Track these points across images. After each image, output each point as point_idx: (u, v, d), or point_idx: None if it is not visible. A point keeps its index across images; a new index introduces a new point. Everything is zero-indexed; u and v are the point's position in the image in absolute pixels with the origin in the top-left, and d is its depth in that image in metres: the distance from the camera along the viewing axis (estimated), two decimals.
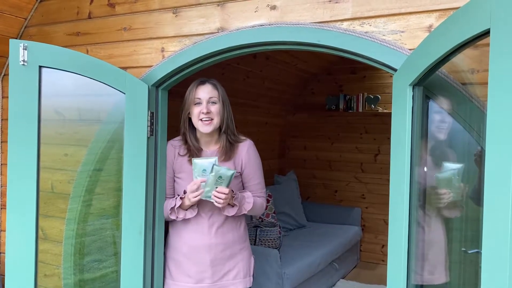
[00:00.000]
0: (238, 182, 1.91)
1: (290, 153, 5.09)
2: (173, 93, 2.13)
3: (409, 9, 1.55)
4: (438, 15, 1.50)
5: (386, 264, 1.54)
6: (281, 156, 5.02)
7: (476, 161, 1.40)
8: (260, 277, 2.93)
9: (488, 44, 1.01)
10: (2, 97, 2.62)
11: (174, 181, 1.96)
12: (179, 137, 1.96)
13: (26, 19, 2.44)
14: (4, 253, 2.60)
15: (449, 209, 1.58)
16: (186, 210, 1.85)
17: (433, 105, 1.56)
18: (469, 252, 1.42)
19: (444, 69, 1.43)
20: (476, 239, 1.16)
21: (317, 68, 4.75)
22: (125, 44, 2.13)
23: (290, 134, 5.08)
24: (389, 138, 1.55)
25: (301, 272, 3.25)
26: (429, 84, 1.46)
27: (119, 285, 1.99)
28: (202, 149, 1.90)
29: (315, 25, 1.69)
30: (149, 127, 1.93)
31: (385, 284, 1.54)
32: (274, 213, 3.96)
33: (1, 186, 2.63)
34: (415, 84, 1.43)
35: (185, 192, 1.83)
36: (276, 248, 3.32)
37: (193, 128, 1.90)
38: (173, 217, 1.88)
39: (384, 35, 1.59)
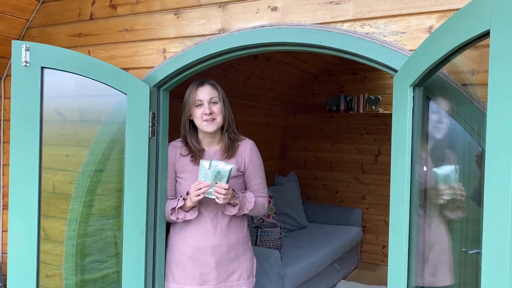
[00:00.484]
0: (240, 182, 1.91)
1: (291, 154, 5.09)
2: (174, 94, 2.14)
3: (409, 10, 1.55)
4: (439, 16, 1.51)
5: (387, 265, 1.54)
6: (282, 157, 5.02)
7: (477, 162, 1.40)
8: (261, 278, 2.93)
9: (488, 45, 1.01)
10: (4, 98, 2.63)
11: (176, 181, 1.96)
12: (180, 139, 1.96)
13: (28, 20, 2.45)
14: (6, 253, 2.60)
15: (451, 210, 1.58)
16: (187, 211, 1.85)
17: (433, 106, 1.56)
18: (470, 252, 1.43)
19: (444, 70, 1.43)
20: (476, 240, 1.17)
21: (318, 69, 4.76)
22: (127, 45, 2.14)
23: (291, 135, 5.09)
24: (389, 139, 1.56)
25: (302, 272, 3.25)
26: (429, 85, 1.46)
27: (120, 286, 1.99)
28: (204, 150, 1.91)
29: (316, 26, 1.70)
30: (150, 128, 1.94)
31: (386, 285, 1.54)
32: (275, 213, 3.97)
33: (3, 187, 2.64)
34: (416, 85, 1.44)
35: (187, 193, 1.84)
36: (277, 249, 3.32)
37: (193, 130, 1.91)
38: (173, 218, 1.88)
39: (384, 36, 1.60)
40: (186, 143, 1.91)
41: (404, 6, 1.56)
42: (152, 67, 2.05)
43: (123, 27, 2.15)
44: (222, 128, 1.89)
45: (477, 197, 1.35)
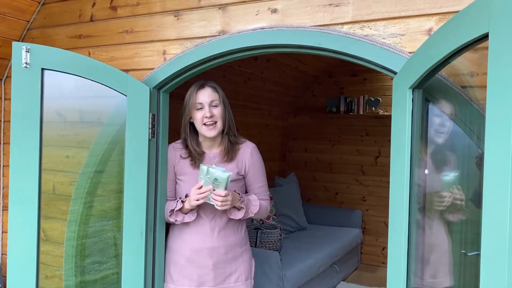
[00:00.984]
0: (240, 186, 1.91)
1: (291, 155, 5.10)
2: (174, 95, 2.14)
3: (409, 12, 1.56)
4: (438, 18, 1.51)
5: (387, 267, 1.54)
6: (282, 158, 5.03)
7: (477, 164, 1.40)
8: (261, 279, 2.93)
9: (487, 47, 1.01)
10: (4, 99, 2.63)
11: (176, 183, 1.96)
12: (180, 140, 1.96)
13: (28, 21, 2.45)
14: (5, 254, 2.60)
15: (451, 212, 1.58)
16: (186, 213, 1.85)
17: (432, 108, 1.57)
18: (469, 254, 1.43)
19: (443, 72, 1.43)
20: (476, 242, 1.17)
21: (318, 70, 4.76)
22: (127, 46, 2.14)
23: (291, 136, 5.09)
24: (389, 141, 1.56)
25: (301, 274, 3.25)
26: (429, 87, 1.46)
27: (120, 287, 1.99)
28: (204, 152, 1.89)
29: (315, 28, 1.70)
30: (150, 129, 1.94)
31: (386, 287, 1.54)
32: (275, 215, 3.97)
33: (3, 188, 2.64)
34: (415, 87, 1.44)
35: (186, 196, 1.84)
36: (276, 250, 3.32)
37: (194, 133, 1.89)
38: (172, 219, 1.88)
39: (384, 38, 1.60)
40: (186, 146, 1.90)
41: (403, 9, 1.57)
42: (152, 68, 2.05)
43: (124, 29, 2.15)
44: (222, 131, 1.87)
45: (477, 199, 1.35)
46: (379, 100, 4.59)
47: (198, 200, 1.74)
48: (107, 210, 2.21)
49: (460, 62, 1.41)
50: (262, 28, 1.80)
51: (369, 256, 4.71)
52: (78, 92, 2.16)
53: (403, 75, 1.49)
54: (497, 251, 0.97)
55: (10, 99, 2.18)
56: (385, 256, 4.54)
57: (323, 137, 4.90)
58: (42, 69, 2.01)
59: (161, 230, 2.00)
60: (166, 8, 2.04)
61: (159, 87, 2.03)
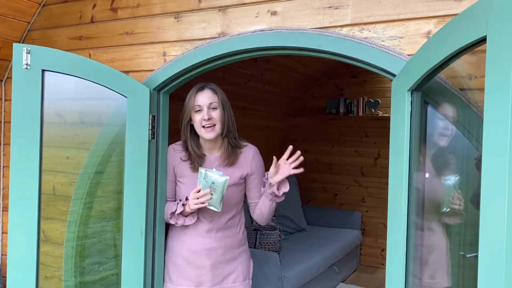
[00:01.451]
0: (240, 190, 1.90)
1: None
2: (174, 96, 2.15)
3: (408, 15, 1.57)
4: (437, 21, 1.52)
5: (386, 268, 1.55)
6: None
7: (477, 166, 1.41)
8: (260, 280, 2.93)
9: (485, 50, 1.02)
10: (5, 100, 2.64)
11: (175, 184, 1.96)
12: (181, 142, 1.95)
13: (29, 23, 2.46)
14: (5, 255, 2.61)
15: (448, 216, 1.59)
16: (186, 216, 1.86)
17: (431, 111, 1.57)
18: (468, 256, 1.43)
19: (442, 74, 1.44)
20: (475, 243, 1.17)
21: (317, 72, 4.77)
22: (127, 48, 2.15)
23: (290, 138, 5.09)
24: (389, 142, 1.57)
25: (301, 275, 3.26)
26: (427, 90, 1.47)
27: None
28: (204, 155, 1.88)
29: (315, 30, 1.71)
30: (150, 130, 1.95)
31: None
32: (274, 216, 3.97)
33: (3, 189, 2.65)
34: (414, 90, 1.45)
35: (187, 199, 1.84)
36: (276, 252, 3.33)
37: (194, 135, 1.88)
38: (172, 222, 1.88)
39: (383, 41, 1.61)
40: (186, 148, 1.89)
41: (402, 11, 1.57)
42: (152, 70, 2.06)
43: (124, 30, 2.16)
44: (222, 134, 1.86)
45: (476, 200, 1.35)
46: (378, 101, 4.60)
47: (196, 204, 1.75)
48: (107, 211, 2.22)
49: (459, 65, 1.41)
50: (262, 30, 1.81)
51: (368, 257, 4.71)
52: (78, 93, 2.17)
53: (402, 78, 1.50)
54: (495, 252, 0.97)
55: (10, 100, 2.19)
56: (385, 258, 4.53)
57: (323, 138, 4.90)
58: (43, 71, 2.02)
59: (160, 231, 2.01)
60: (166, 10, 2.04)
61: (159, 88, 2.04)
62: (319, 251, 3.74)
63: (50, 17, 2.40)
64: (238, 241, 1.93)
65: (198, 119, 1.81)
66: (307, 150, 5.01)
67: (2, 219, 2.65)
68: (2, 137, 2.64)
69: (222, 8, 1.91)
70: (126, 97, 1.96)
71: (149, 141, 1.95)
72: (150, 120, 1.95)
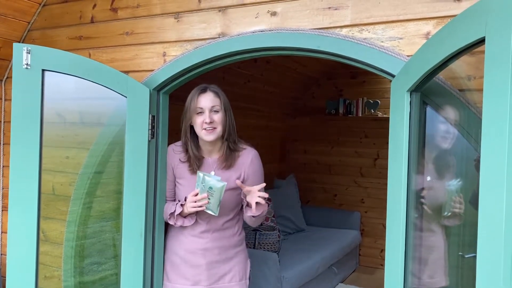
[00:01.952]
0: (237, 194, 1.88)
1: (290, 157, 5.10)
2: (173, 96, 2.15)
3: (407, 16, 1.57)
4: (436, 22, 1.52)
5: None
6: (281, 160, 5.03)
7: (476, 166, 1.41)
8: (259, 281, 2.94)
9: (484, 51, 1.03)
10: (5, 100, 2.64)
11: (175, 185, 1.96)
12: (180, 142, 1.94)
13: (29, 22, 2.46)
14: (5, 254, 2.61)
15: (447, 217, 1.59)
16: (185, 217, 1.86)
17: (430, 111, 1.58)
18: (466, 256, 1.44)
19: (441, 75, 1.44)
20: (473, 244, 1.18)
21: (317, 72, 4.78)
22: (127, 48, 2.16)
23: (290, 138, 5.10)
24: (388, 143, 1.57)
25: (300, 276, 3.26)
26: (426, 90, 1.48)
27: None
28: (203, 157, 1.88)
29: (314, 31, 1.71)
30: (150, 130, 1.95)
31: None
32: (273, 216, 3.97)
33: (3, 188, 2.65)
34: (413, 90, 1.45)
35: (185, 199, 1.84)
36: (275, 252, 3.33)
37: (194, 137, 1.86)
38: (171, 222, 1.89)
39: (382, 42, 1.61)
40: (186, 150, 1.88)
41: (402, 12, 1.58)
42: (152, 70, 2.06)
43: (124, 31, 2.16)
44: (222, 136, 1.84)
45: (475, 201, 1.36)
46: (378, 102, 4.60)
47: (194, 208, 1.75)
48: (106, 211, 2.22)
49: (458, 66, 1.42)
50: (261, 31, 1.82)
51: (367, 258, 4.71)
52: (78, 93, 2.17)
53: (401, 78, 1.50)
54: (493, 253, 0.98)
55: (10, 99, 2.19)
56: (384, 258, 4.53)
57: (322, 139, 4.91)
58: (43, 70, 2.02)
59: (160, 231, 2.01)
60: (166, 10, 2.05)
61: (159, 88, 2.04)
62: (319, 251, 3.75)
63: (50, 17, 2.40)
64: (235, 242, 1.93)
65: (199, 122, 1.79)
66: (306, 151, 5.02)
67: (1, 218, 2.65)
68: (2, 137, 2.65)
69: (222, 9, 1.92)
70: (126, 97, 1.97)
71: (149, 141, 1.95)
72: (150, 120, 1.95)
